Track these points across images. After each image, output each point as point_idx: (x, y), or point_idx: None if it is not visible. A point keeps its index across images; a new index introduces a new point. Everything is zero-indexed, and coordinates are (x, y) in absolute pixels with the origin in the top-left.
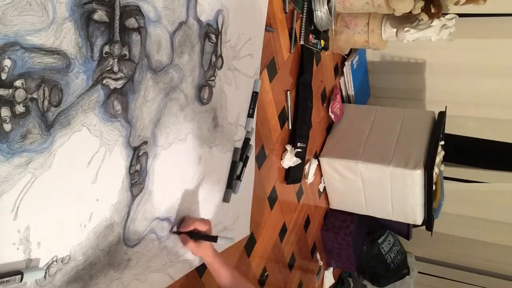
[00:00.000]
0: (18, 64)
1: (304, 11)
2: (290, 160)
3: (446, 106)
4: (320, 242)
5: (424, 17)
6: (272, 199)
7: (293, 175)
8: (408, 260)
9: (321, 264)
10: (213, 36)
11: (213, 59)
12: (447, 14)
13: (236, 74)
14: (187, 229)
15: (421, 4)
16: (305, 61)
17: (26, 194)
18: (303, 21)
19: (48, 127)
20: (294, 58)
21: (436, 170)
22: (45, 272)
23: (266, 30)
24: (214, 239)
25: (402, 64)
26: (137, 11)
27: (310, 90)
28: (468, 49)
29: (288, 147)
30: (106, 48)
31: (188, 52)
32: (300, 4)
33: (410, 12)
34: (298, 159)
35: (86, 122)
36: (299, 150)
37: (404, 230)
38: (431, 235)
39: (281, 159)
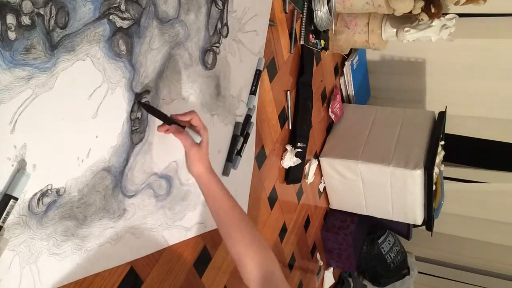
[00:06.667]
0: None
1: (304, 11)
2: (290, 160)
3: (446, 106)
4: (320, 242)
5: (424, 17)
6: (272, 199)
7: (293, 175)
8: (408, 260)
9: (321, 264)
10: (220, 2)
11: (219, 25)
12: (447, 14)
13: (240, 47)
14: (185, 118)
15: (421, 4)
16: (305, 61)
17: (26, 110)
18: (303, 21)
19: (53, 47)
20: (294, 58)
21: (436, 170)
22: (38, 200)
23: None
24: (182, 127)
25: (402, 64)
26: None
27: (310, 90)
28: (468, 49)
29: (288, 147)
30: None
31: (194, 11)
32: (300, 4)
33: (410, 12)
34: (298, 159)
35: (90, 53)
36: (299, 150)
37: (404, 230)
38: (431, 235)
39: (281, 159)
